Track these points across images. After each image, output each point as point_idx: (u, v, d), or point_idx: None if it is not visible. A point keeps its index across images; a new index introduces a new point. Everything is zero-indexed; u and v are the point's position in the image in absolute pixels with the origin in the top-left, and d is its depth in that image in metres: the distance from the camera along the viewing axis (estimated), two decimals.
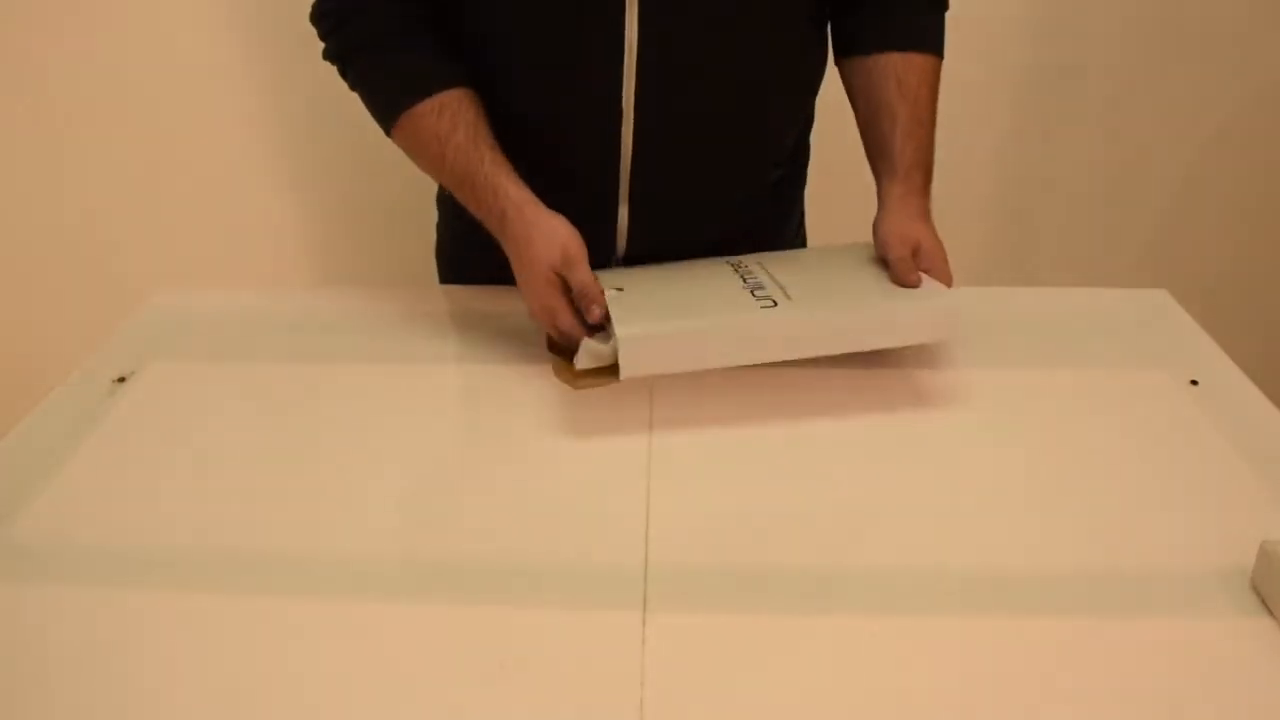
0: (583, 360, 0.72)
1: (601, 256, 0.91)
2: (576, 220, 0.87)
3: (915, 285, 0.75)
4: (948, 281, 0.77)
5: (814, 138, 0.99)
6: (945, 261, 0.79)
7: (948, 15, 0.88)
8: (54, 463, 0.71)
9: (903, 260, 0.76)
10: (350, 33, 0.81)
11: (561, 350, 0.77)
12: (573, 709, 0.52)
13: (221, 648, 0.56)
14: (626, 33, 0.77)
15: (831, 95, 0.91)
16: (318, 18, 0.82)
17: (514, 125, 0.83)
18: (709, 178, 0.88)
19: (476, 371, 0.82)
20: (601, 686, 0.52)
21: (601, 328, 0.74)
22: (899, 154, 0.82)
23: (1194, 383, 0.79)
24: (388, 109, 0.81)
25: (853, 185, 0.91)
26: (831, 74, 0.91)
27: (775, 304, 0.72)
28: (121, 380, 0.82)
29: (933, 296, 0.74)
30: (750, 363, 0.73)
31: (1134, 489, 0.68)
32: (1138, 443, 0.72)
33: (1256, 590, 0.57)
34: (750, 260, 0.82)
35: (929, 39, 0.86)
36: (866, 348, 0.75)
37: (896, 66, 0.84)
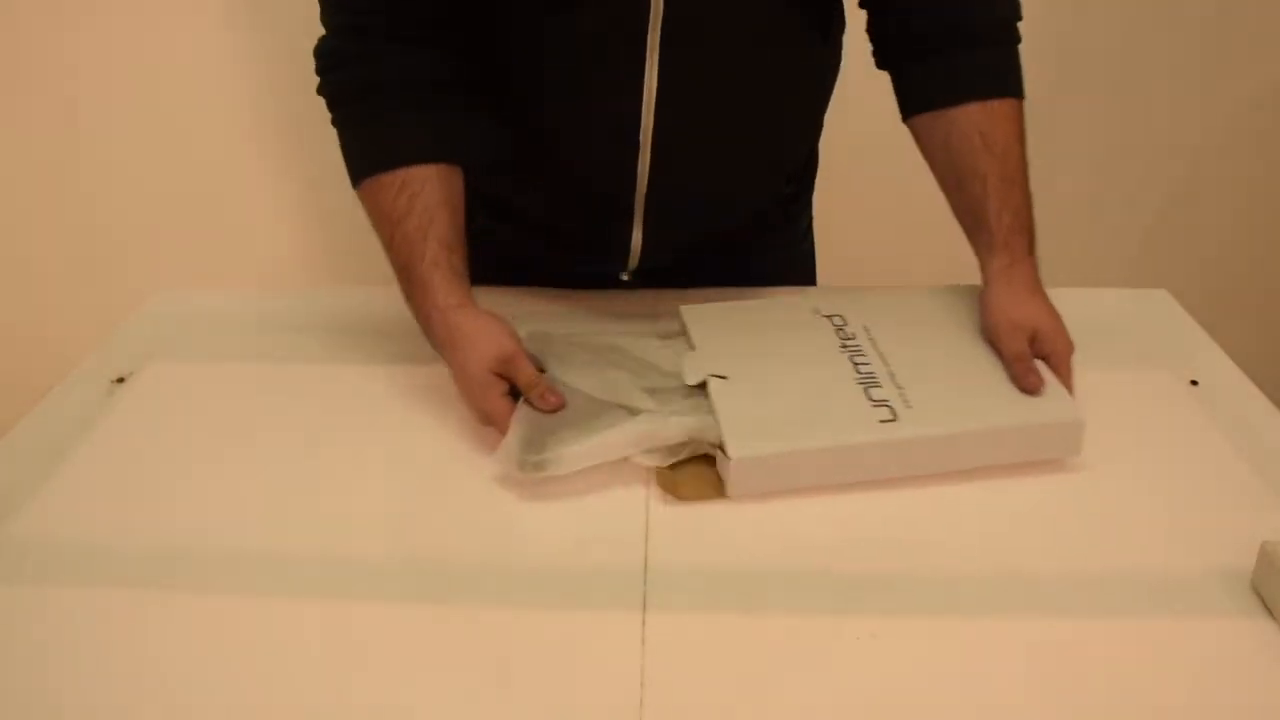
0: (503, 455, 0.65)
1: (613, 271, 0.91)
2: (592, 236, 0.87)
3: (1036, 391, 0.69)
4: (1068, 358, 0.72)
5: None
6: (1065, 338, 0.73)
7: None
8: (53, 463, 0.71)
9: (1020, 358, 0.70)
10: (345, 78, 0.77)
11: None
12: (573, 709, 0.52)
13: (221, 648, 0.56)
14: (647, 70, 0.76)
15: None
16: (319, 53, 0.78)
17: (534, 147, 0.82)
18: (722, 199, 0.87)
19: None
20: (601, 687, 0.52)
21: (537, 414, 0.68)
22: (995, 221, 0.76)
23: (1194, 383, 0.79)
24: (355, 169, 0.78)
25: (858, 186, 0.90)
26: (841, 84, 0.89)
27: (895, 417, 0.66)
28: (120, 380, 0.82)
29: (1057, 410, 0.68)
30: (863, 479, 0.66)
31: (1134, 489, 0.68)
32: (1138, 443, 0.72)
33: (1256, 591, 0.57)
34: (854, 319, 0.76)
35: (1008, 79, 0.78)
36: (984, 464, 0.68)
37: (978, 120, 0.76)
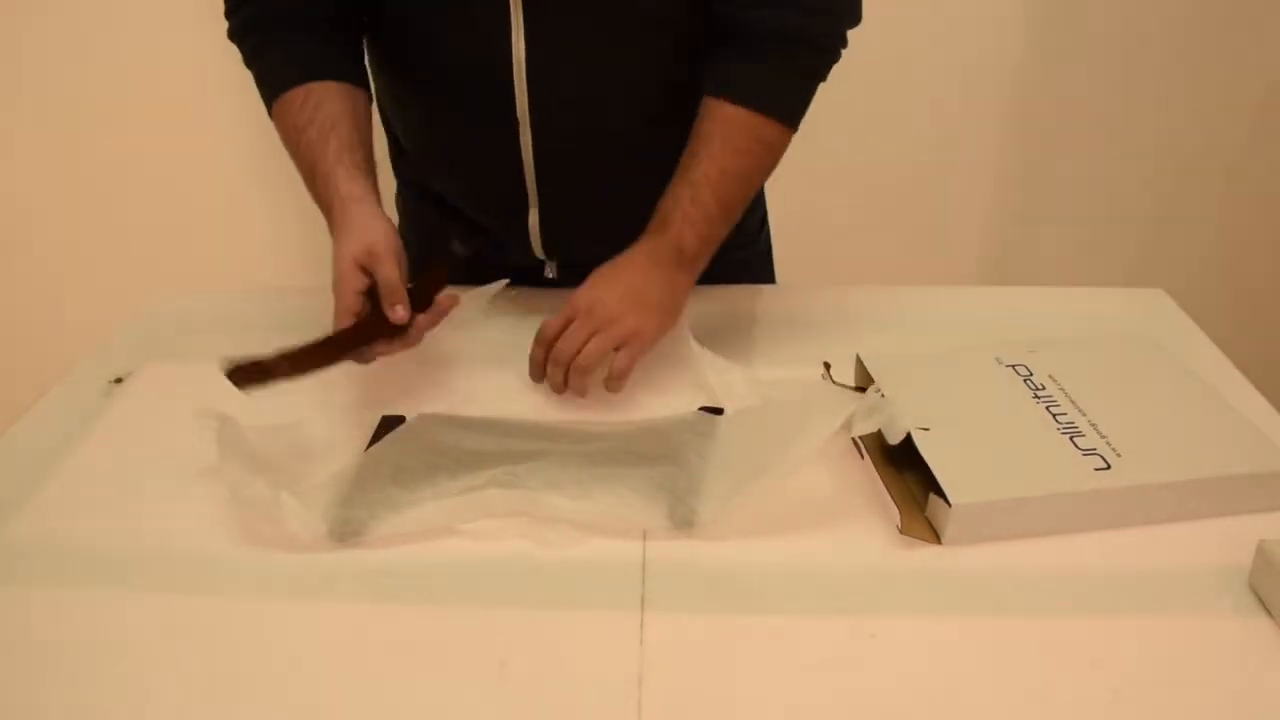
0: (298, 515, 0.63)
1: (520, 256, 0.91)
2: (492, 219, 0.89)
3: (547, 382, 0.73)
4: (606, 341, 0.74)
5: None
6: (606, 317, 0.74)
7: (946, 18, 0.83)
8: (51, 463, 0.71)
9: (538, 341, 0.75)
10: (250, 12, 0.82)
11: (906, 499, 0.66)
12: (571, 708, 0.52)
13: (220, 648, 0.56)
14: (514, 48, 0.77)
15: None
16: None
17: (427, 125, 0.84)
18: (622, 188, 0.83)
19: (474, 371, 0.82)
20: (600, 686, 0.52)
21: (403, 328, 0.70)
22: (659, 209, 0.78)
23: None
24: (268, 94, 0.82)
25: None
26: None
27: (1108, 466, 0.64)
28: (118, 380, 0.82)
29: (1269, 458, 0.65)
30: (1072, 529, 0.64)
31: None
32: None
33: (1254, 590, 0.57)
34: (1039, 370, 0.74)
35: (756, 90, 0.78)
36: (1196, 515, 0.65)
37: (706, 114, 0.78)
